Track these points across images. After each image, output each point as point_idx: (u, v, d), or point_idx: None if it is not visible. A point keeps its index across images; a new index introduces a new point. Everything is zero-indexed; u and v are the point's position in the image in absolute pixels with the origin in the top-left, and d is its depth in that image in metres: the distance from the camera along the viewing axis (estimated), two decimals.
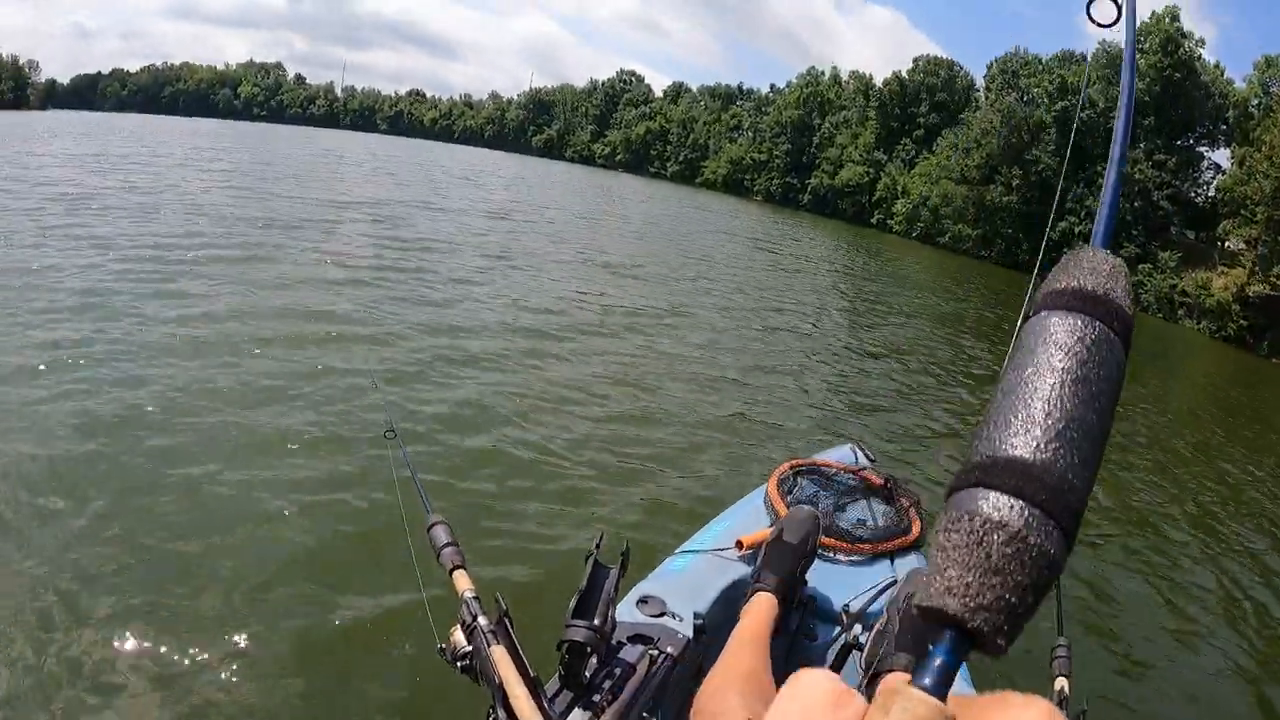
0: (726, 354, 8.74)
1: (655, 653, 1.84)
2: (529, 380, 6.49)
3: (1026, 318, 0.65)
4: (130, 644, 2.80)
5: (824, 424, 6.89)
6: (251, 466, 4.24)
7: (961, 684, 2.10)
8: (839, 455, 3.29)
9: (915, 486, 3.01)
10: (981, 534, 0.51)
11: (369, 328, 7.30)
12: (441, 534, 1.81)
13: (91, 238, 9.58)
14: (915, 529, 2.73)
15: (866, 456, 3.35)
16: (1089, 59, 44.74)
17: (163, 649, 2.79)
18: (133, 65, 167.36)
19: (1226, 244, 34.75)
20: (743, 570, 2.32)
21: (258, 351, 6.08)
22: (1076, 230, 38.95)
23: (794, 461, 3.05)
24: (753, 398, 7.21)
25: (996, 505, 0.52)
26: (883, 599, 2.29)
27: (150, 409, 4.74)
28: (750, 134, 70.12)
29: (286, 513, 3.86)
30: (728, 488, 4.88)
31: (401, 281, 9.42)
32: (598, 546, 1.72)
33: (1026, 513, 0.52)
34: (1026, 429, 0.55)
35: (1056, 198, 42.77)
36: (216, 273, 8.54)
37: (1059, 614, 2.40)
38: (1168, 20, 39.56)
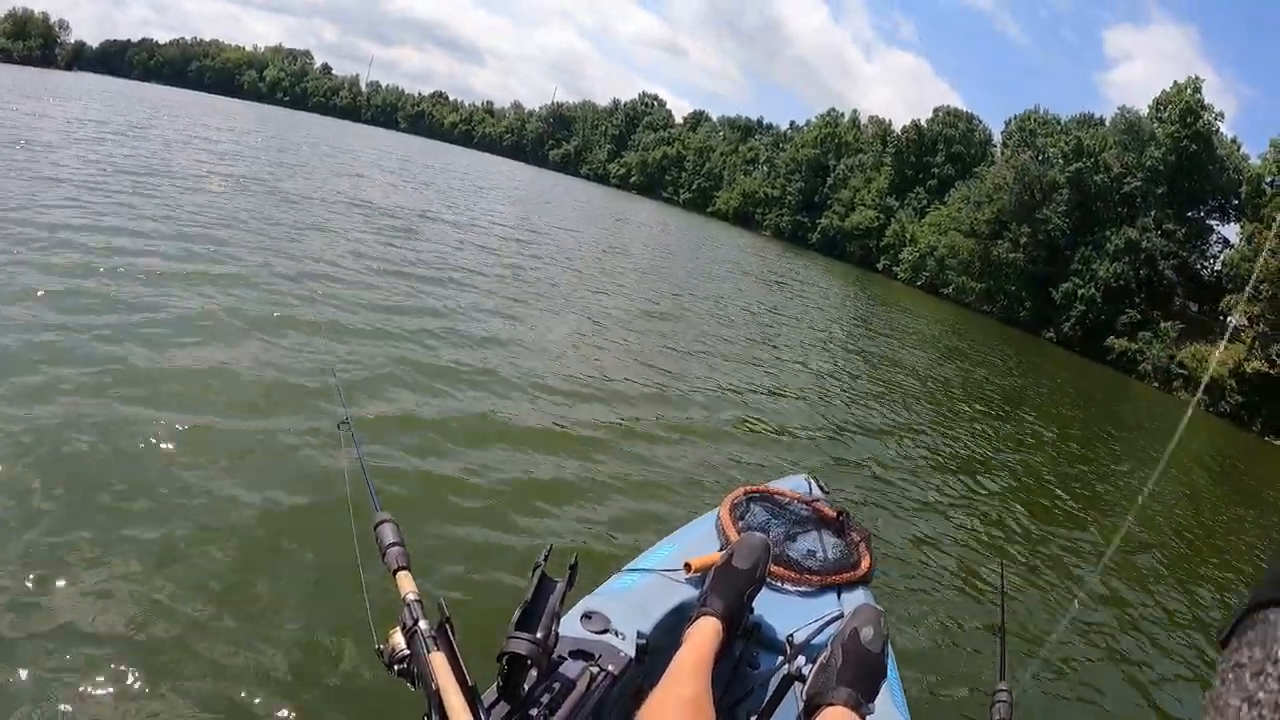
0: (697, 377, 8.72)
1: (596, 670, 1.82)
2: (490, 386, 6.43)
3: None
4: (63, 639, 2.72)
5: (782, 454, 6.87)
6: (194, 453, 4.15)
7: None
8: (793, 485, 3.29)
9: (867, 523, 3.00)
10: None
11: (333, 318, 7.21)
12: (388, 533, 1.79)
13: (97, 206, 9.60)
14: (864, 564, 2.72)
15: (820, 488, 3.35)
16: (1108, 123, 45.06)
17: (97, 640, 2.73)
18: (162, 36, 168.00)
19: (1229, 319, 34.83)
20: (689, 592, 2.31)
21: (216, 338, 5.97)
22: (1079, 292, 39.18)
23: (748, 488, 3.04)
24: (714, 423, 7.18)
25: None
26: (828, 632, 2.28)
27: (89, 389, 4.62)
28: (765, 168, 70.45)
29: (229, 499, 3.81)
30: (679, 509, 4.87)
31: (381, 285, 9.26)
32: (545, 558, 1.71)
33: None
34: None
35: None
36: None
37: (1002, 658, 2.39)
38: (1189, 91, 39.87)
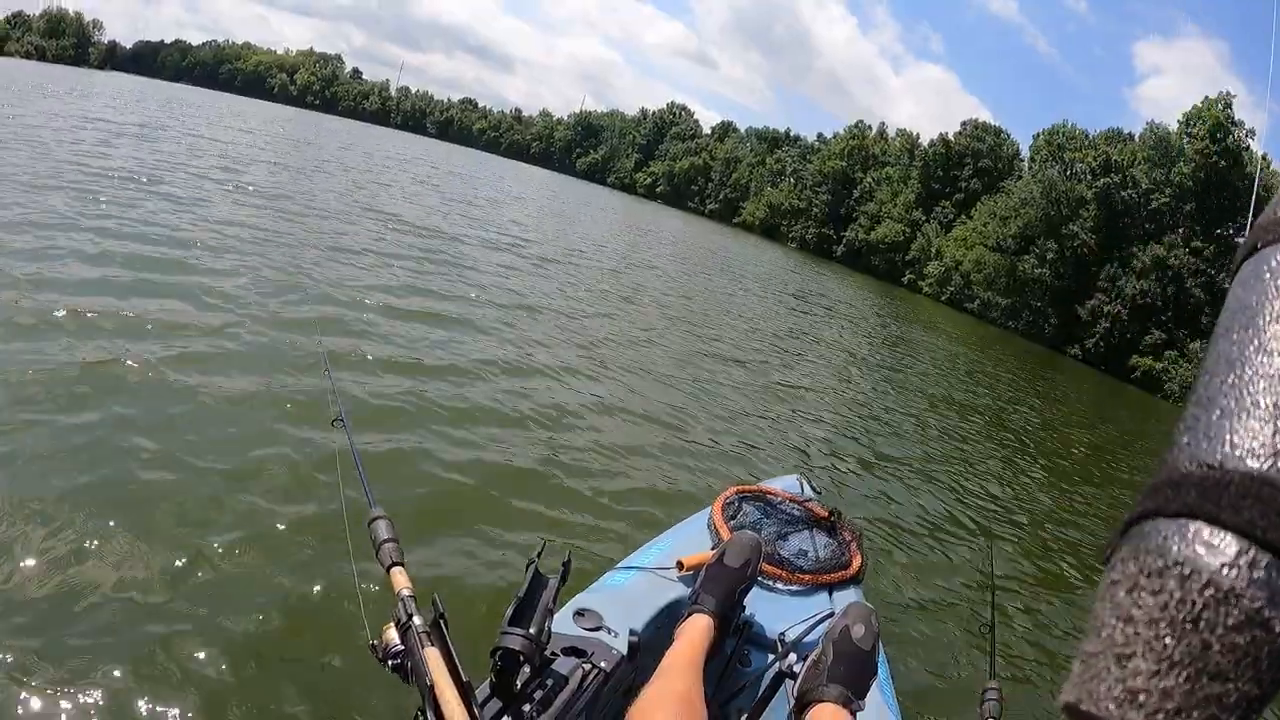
0: (697, 379, 8.70)
1: (589, 667, 1.84)
2: (487, 381, 6.42)
3: (1250, 252, 0.45)
4: (44, 632, 2.67)
5: (775, 455, 6.85)
6: (186, 444, 4.11)
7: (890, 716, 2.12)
8: (785, 485, 3.32)
9: (858, 523, 3.02)
10: (1200, 607, 0.31)
11: (325, 313, 7.16)
12: (382, 529, 1.81)
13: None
14: (855, 563, 2.75)
15: (812, 488, 3.39)
16: (1137, 138, 44.69)
17: (82, 638, 2.69)
18: (195, 38, 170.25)
19: None
20: (681, 590, 2.33)
21: (205, 325, 5.96)
22: (1105, 309, 38.83)
23: (740, 487, 3.08)
24: (709, 423, 7.15)
25: (1226, 557, 0.32)
26: (819, 630, 2.29)
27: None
28: (792, 180, 70.10)
29: (220, 491, 3.78)
30: (672, 508, 4.87)
31: (381, 287, 8.97)
32: (539, 555, 1.73)
33: (1273, 575, 0.31)
34: (1274, 426, 0.35)
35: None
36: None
37: (992, 657, 2.40)
38: (1220, 106, 39.50)
